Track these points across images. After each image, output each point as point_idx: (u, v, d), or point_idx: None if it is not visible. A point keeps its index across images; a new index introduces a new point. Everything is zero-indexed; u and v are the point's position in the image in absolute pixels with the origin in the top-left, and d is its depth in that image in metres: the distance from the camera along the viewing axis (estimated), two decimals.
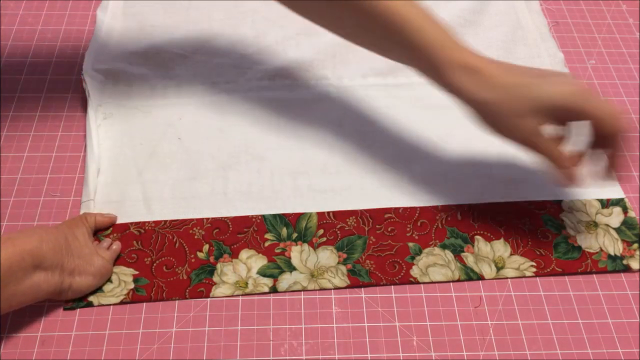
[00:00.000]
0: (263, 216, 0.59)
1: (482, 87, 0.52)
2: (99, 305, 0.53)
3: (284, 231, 0.58)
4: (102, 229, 0.57)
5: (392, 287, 0.55)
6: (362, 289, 0.55)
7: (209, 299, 0.54)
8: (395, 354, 0.52)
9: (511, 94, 0.51)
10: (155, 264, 0.55)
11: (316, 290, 0.55)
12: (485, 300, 0.55)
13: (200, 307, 0.54)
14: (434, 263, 0.57)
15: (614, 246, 0.59)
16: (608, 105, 0.50)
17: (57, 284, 0.49)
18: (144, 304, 0.53)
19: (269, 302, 0.54)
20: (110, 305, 0.53)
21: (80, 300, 0.53)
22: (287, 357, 0.51)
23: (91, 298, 0.53)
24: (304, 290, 0.55)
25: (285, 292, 0.55)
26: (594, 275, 0.57)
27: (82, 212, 0.58)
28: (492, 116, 0.52)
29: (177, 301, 0.54)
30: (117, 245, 0.56)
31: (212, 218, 0.59)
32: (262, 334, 0.52)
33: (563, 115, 0.50)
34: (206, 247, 0.57)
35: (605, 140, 0.51)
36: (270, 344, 0.52)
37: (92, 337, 0.51)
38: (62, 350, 0.51)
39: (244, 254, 0.56)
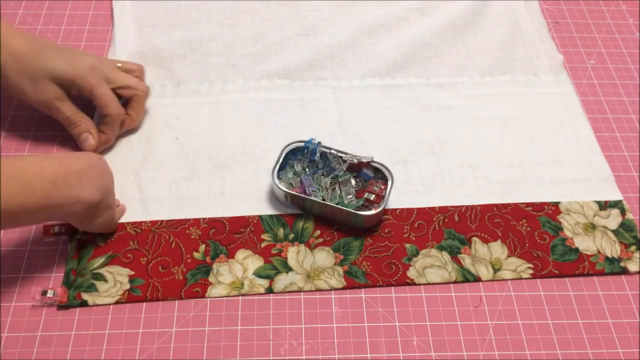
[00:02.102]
0: (260, 216, 0.59)
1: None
2: (94, 305, 0.53)
3: (281, 232, 0.58)
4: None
5: (392, 287, 0.55)
6: (362, 289, 0.55)
7: (209, 299, 0.54)
8: (395, 354, 0.52)
9: (25, 60, 0.57)
10: (151, 264, 0.55)
11: (316, 290, 0.55)
12: (485, 301, 0.55)
13: (200, 307, 0.54)
14: (430, 264, 0.57)
15: (612, 248, 0.59)
16: (108, 96, 0.60)
17: (96, 207, 0.51)
18: (144, 303, 0.53)
19: (269, 302, 0.54)
20: (105, 305, 0.53)
21: (74, 300, 0.53)
22: (287, 357, 0.51)
23: (86, 297, 0.53)
24: (301, 291, 0.55)
25: (282, 292, 0.54)
26: (594, 276, 0.57)
27: None
28: (10, 80, 0.57)
29: (177, 301, 0.54)
30: (123, 206, 0.59)
31: (209, 218, 0.59)
32: (262, 334, 0.52)
33: (75, 88, 0.59)
34: (202, 247, 0.57)
35: (105, 120, 0.61)
36: (270, 344, 0.52)
37: (91, 336, 0.51)
38: (62, 350, 0.51)
39: (240, 254, 0.56)
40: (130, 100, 0.63)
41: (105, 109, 0.60)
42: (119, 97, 0.62)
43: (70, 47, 0.62)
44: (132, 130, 0.65)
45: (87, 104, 0.61)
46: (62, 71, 0.58)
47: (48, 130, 0.64)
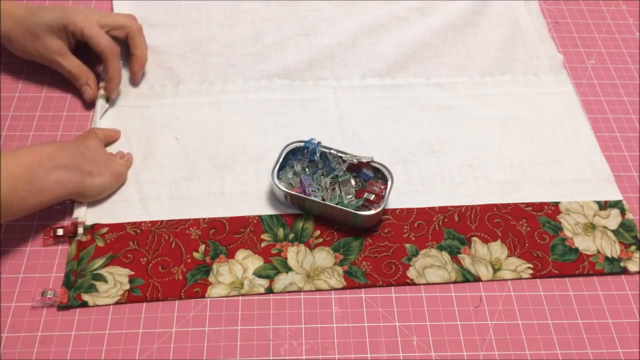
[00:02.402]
0: (260, 217, 0.59)
1: (3, 22, 0.63)
2: (94, 306, 0.53)
3: (281, 232, 0.58)
4: (111, 142, 0.64)
5: (392, 287, 0.55)
6: (362, 289, 0.55)
7: (209, 299, 0.54)
8: (395, 354, 0.52)
9: (23, 21, 0.63)
10: (151, 264, 0.55)
11: (316, 290, 0.55)
12: (485, 301, 0.55)
13: (200, 307, 0.54)
14: (430, 264, 0.57)
15: (612, 248, 0.59)
16: (97, 32, 0.64)
17: (78, 181, 0.55)
18: (144, 303, 0.53)
19: (269, 302, 0.54)
20: (105, 305, 0.53)
21: (74, 300, 0.53)
22: (287, 357, 0.51)
23: (86, 298, 0.53)
24: (300, 291, 0.55)
25: (282, 292, 0.55)
26: (594, 276, 0.57)
27: None
28: (15, 43, 0.64)
29: (176, 301, 0.54)
30: (129, 156, 0.62)
31: (209, 218, 0.59)
32: (262, 334, 0.52)
33: (67, 33, 0.64)
34: (202, 247, 0.57)
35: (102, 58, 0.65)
36: (270, 344, 0.52)
37: (91, 337, 0.51)
38: (62, 350, 0.51)
39: (240, 254, 0.56)
40: (128, 39, 0.67)
41: (98, 46, 0.64)
42: (116, 39, 0.66)
43: (62, 4, 0.68)
44: (132, 130, 0.65)
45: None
46: (55, 20, 0.62)
47: (48, 130, 0.64)
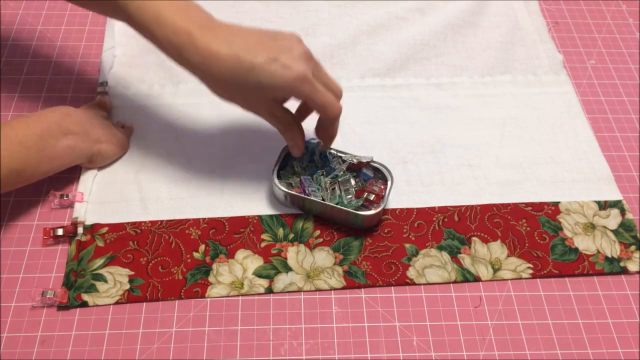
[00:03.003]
0: (259, 216, 0.59)
1: (210, 69, 0.50)
2: (94, 306, 0.53)
3: (281, 232, 0.58)
4: (109, 111, 0.65)
5: (392, 287, 0.55)
6: (362, 289, 0.55)
7: (209, 299, 0.54)
8: (395, 354, 0.52)
9: (230, 84, 0.51)
10: (151, 264, 0.55)
11: (316, 290, 0.55)
12: (485, 301, 0.55)
13: (200, 307, 0.54)
14: (430, 264, 0.57)
15: (612, 248, 0.59)
16: (325, 95, 0.52)
17: (87, 148, 0.58)
18: (144, 303, 0.53)
19: (268, 302, 0.54)
20: (105, 305, 0.53)
21: (74, 300, 0.53)
22: (287, 357, 0.51)
23: (86, 298, 0.53)
24: (300, 291, 0.55)
25: (282, 292, 0.55)
26: (594, 276, 0.57)
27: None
28: (221, 93, 0.54)
29: (176, 301, 0.54)
30: (129, 124, 0.64)
31: (209, 218, 0.59)
32: (262, 334, 0.52)
33: (289, 95, 0.53)
34: (202, 247, 0.57)
35: (324, 121, 0.55)
36: (270, 344, 0.52)
37: (91, 337, 0.51)
38: (62, 350, 0.51)
39: (240, 254, 0.56)
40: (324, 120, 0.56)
41: (326, 114, 0.53)
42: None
43: (279, 46, 0.51)
44: (132, 131, 0.65)
45: None
46: (274, 88, 0.51)
47: None
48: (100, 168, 0.61)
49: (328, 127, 0.56)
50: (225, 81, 0.51)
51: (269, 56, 0.50)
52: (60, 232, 0.56)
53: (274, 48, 0.50)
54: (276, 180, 0.58)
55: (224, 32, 0.51)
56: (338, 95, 0.55)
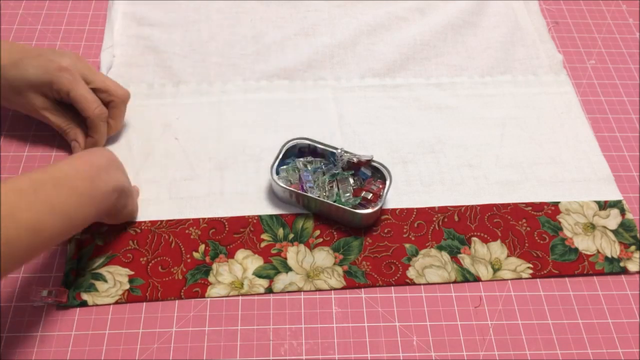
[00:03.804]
0: (259, 216, 0.59)
1: None
2: (94, 305, 0.53)
3: (280, 232, 0.58)
4: None
5: (392, 287, 0.55)
6: (362, 289, 0.55)
7: (208, 299, 0.54)
8: (395, 354, 0.52)
9: (7, 75, 0.57)
10: (150, 264, 0.55)
11: (316, 290, 0.55)
12: (485, 301, 0.55)
13: (200, 307, 0.54)
14: (430, 264, 0.57)
15: (611, 248, 0.59)
16: (84, 91, 0.58)
17: (126, 193, 0.53)
18: (144, 303, 0.53)
19: (268, 302, 0.54)
20: (105, 305, 0.53)
21: (74, 300, 0.53)
22: (287, 357, 0.51)
23: (86, 297, 0.53)
24: (300, 290, 0.55)
25: (282, 292, 0.55)
26: (594, 276, 0.57)
27: None
28: (2, 93, 0.58)
29: (176, 301, 0.54)
30: (137, 188, 0.60)
31: (209, 218, 0.59)
32: (262, 334, 0.52)
33: (53, 92, 0.58)
34: (202, 247, 0.57)
35: (87, 122, 0.60)
36: (270, 344, 0.52)
37: (91, 336, 0.51)
38: (62, 350, 0.51)
39: (240, 254, 0.56)
40: (108, 106, 0.61)
41: (84, 112, 0.59)
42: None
43: (47, 49, 0.60)
44: (132, 130, 0.65)
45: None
46: (38, 79, 0.57)
47: (48, 130, 0.64)
48: None
49: (91, 129, 0.60)
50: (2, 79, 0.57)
51: (37, 52, 0.58)
52: None
53: (46, 50, 0.59)
54: (275, 176, 0.58)
55: (9, 46, 0.58)
56: (116, 97, 0.60)
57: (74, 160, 0.48)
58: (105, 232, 0.57)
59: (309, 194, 0.57)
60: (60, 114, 0.60)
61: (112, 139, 0.64)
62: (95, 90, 0.59)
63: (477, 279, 0.56)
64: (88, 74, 0.59)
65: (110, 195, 0.49)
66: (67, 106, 0.61)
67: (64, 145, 0.63)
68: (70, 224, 0.45)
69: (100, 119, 0.60)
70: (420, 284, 0.56)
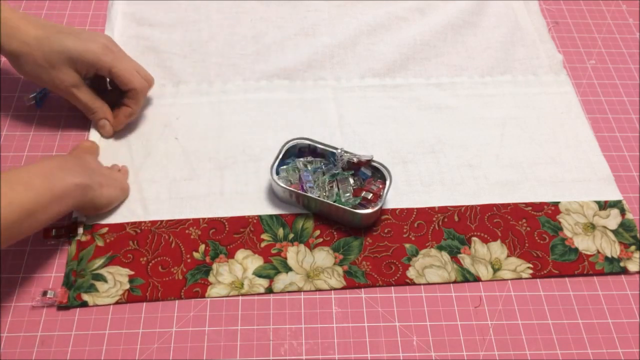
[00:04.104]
0: (259, 216, 0.59)
1: (11, 39, 0.56)
2: (94, 306, 0.53)
3: (280, 232, 0.58)
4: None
5: (392, 287, 0.55)
6: (362, 289, 0.55)
7: (208, 299, 0.54)
8: (395, 354, 0.52)
9: (41, 47, 0.56)
10: (151, 264, 0.55)
11: (316, 290, 0.55)
12: (485, 301, 0.55)
13: (200, 307, 0.54)
14: (430, 264, 0.57)
15: (611, 248, 0.59)
16: (128, 65, 0.60)
17: (92, 188, 0.53)
18: (144, 303, 0.53)
19: (268, 302, 0.54)
20: (105, 305, 0.53)
21: (74, 300, 0.53)
22: (287, 357, 0.51)
23: (86, 298, 0.53)
24: (300, 291, 0.55)
25: (282, 292, 0.55)
26: (594, 276, 0.57)
27: None
28: (26, 66, 0.58)
29: (176, 301, 0.54)
30: (125, 168, 0.61)
31: (209, 218, 0.59)
32: (262, 334, 0.52)
33: (93, 69, 0.59)
34: (202, 247, 0.57)
35: (128, 94, 0.62)
36: (270, 344, 0.52)
37: (91, 337, 0.51)
38: (62, 350, 0.51)
39: (240, 254, 0.56)
40: (128, 95, 0.62)
41: (128, 84, 0.60)
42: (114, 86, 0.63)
43: (80, 29, 0.62)
44: (132, 131, 0.65)
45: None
46: (78, 54, 0.57)
47: (48, 130, 0.64)
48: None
49: (131, 99, 0.62)
50: (31, 47, 0.56)
51: (72, 29, 0.59)
52: (60, 232, 0.56)
53: (81, 29, 0.60)
54: (275, 176, 0.58)
55: (43, 22, 0.58)
56: (146, 79, 0.63)
57: (32, 164, 0.50)
58: (106, 233, 0.57)
59: (309, 194, 0.57)
60: (88, 93, 0.61)
61: (111, 138, 0.64)
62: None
63: (477, 279, 0.56)
64: (118, 51, 0.61)
65: (73, 189, 0.51)
66: (94, 87, 0.63)
67: (65, 145, 0.63)
68: (33, 217, 0.47)
69: (144, 90, 0.62)
70: (420, 284, 0.56)
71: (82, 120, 0.65)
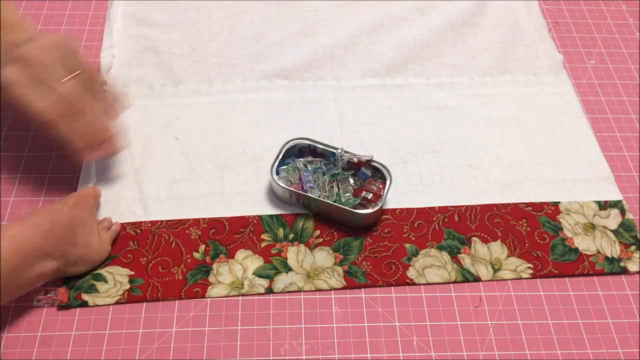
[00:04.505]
0: (259, 216, 0.59)
1: None
2: (94, 306, 0.53)
3: (281, 232, 0.58)
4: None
5: (392, 287, 0.55)
6: (362, 289, 0.55)
7: (209, 299, 0.54)
8: (395, 354, 0.52)
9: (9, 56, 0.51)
10: (151, 264, 0.55)
11: (316, 290, 0.55)
12: (485, 301, 0.55)
13: (200, 307, 0.54)
14: (430, 264, 0.57)
15: (612, 248, 0.59)
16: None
17: (60, 271, 0.51)
18: (144, 303, 0.53)
19: (268, 302, 0.54)
20: (105, 305, 0.53)
21: (75, 300, 0.53)
22: (287, 357, 0.51)
23: (86, 298, 0.53)
24: (300, 291, 0.55)
25: (282, 292, 0.55)
26: (594, 276, 0.57)
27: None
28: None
29: (176, 301, 0.54)
30: (116, 226, 0.57)
31: (209, 218, 0.59)
32: (262, 334, 0.52)
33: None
34: (202, 247, 0.57)
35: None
36: (270, 344, 0.52)
37: (91, 337, 0.51)
38: (62, 350, 0.51)
39: (240, 254, 0.56)
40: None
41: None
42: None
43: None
44: (132, 130, 0.65)
45: None
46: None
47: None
48: (98, 164, 0.61)
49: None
50: None
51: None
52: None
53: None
54: (275, 176, 0.58)
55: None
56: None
57: (10, 236, 0.47)
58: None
59: (309, 194, 0.57)
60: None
61: None
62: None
63: (477, 279, 0.56)
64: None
65: (35, 281, 0.49)
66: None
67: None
68: None
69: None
70: (420, 284, 0.56)
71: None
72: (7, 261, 0.46)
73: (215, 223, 0.58)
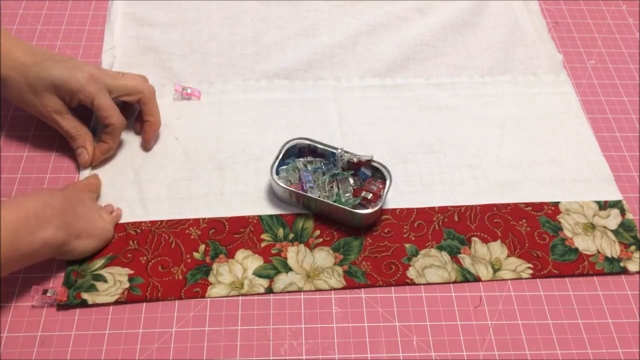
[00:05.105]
0: (259, 216, 0.59)
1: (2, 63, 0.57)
2: (93, 304, 0.53)
3: (281, 232, 0.58)
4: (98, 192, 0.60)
5: (392, 287, 0.55)
6: (362, 289, 0.55)
7: (208, 299, 0.54)
8: (395, 354, 0.52)
9: (26, 73, 0.57)
10: (150, 264, 0.55)
11: (316, 290, 0.55)
12: (485, 301, 0.55)
13: (200, 307, 0.54)
14: (430, 264, 0.57)
15: (612, 248, 0.59)
16: (107, 101, 0.59)
17: (64, 242, 0.51)
18: (144, 303, 0.53)
19: (268, 302, 0.54)
20: (105, 304, 0.53)
21: (74, 299, 0.53)
22: (287, 357, 0.51)
23: (86, 297, 0.53)
24: (300, 291, 0.55)
25: (282, 292, 0.55)
26: (594, 276, 0.57)
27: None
28: (12, 91, 0.58)
29: (176, 301, 0.54)
30: (119, 211, 0.58)
31: (209, 218, 0.59)
32: (262, 334, 0.52)
33: (76, 98, 0.58)
34: (202, 247, 0.57)
35: (107, 129, 0.61)
36: (270, 344, 0.52)
37: (91, 336, 0.51)
38: (62, 350, 0.51)
39: (240, 254, 0.56)
40: (141, 105, 0.62)
41: (106, 120, 0.59)
42: (126, 104, 0.63)
43: (69, 57, 0.62)
44: (132, 131, 0.65)
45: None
46: (62, 82, 0.57)
47: (48, 130, 0.64)
48: (97, 166, 0.61)
49: (108, 135, 0.61)
50: (17, 73, 0.56)
51: (61, 57, 0.59)
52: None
53: (70, 57, 0.61)
54: (275, 176, 0.58)
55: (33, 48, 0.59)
56: (142, 93, 0.61)
57: (9, 205, 0.48)
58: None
59: (309, 194, 0.57)
60: (71, 120, 0.60)
61: None
62: (121, 96, 0.61)
63: (477, 279, 0.56)
64: (110, 82, 0.60)
65: (40, 248, 0.49)
66: (76, 114, 0.61)
67: (64, 145, 0.63)
68: None
69: (121, 126, 0.61)
70: (420, 284, 0.56)
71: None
72: (10, 223, 0.46)
73: (215, 223, 0.58)
